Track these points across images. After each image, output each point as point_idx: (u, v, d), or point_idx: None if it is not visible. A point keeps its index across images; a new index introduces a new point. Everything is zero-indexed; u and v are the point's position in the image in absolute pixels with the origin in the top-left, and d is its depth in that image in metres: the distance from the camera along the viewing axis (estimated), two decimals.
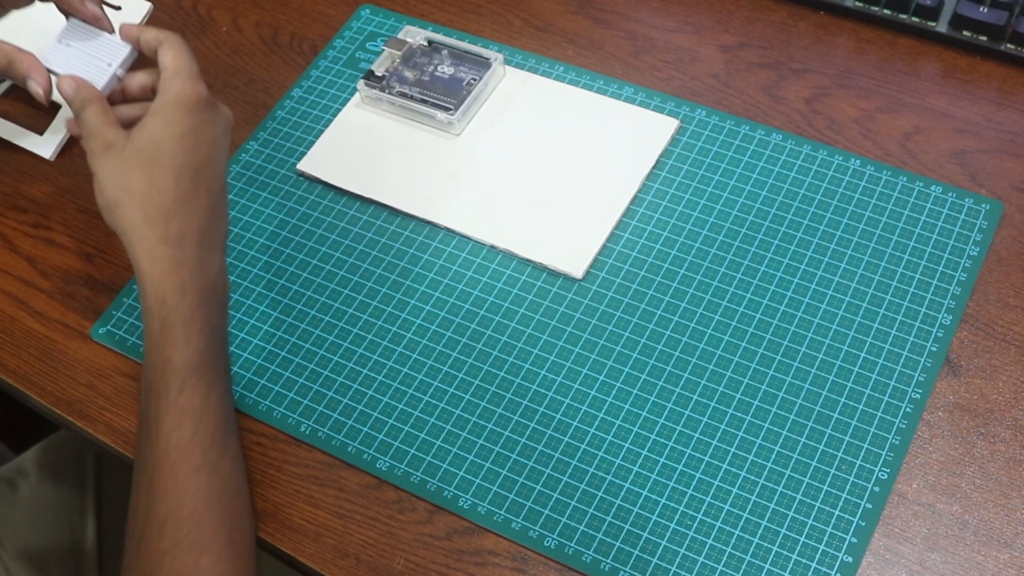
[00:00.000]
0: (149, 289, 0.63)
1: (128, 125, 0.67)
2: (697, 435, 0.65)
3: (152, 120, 0.65)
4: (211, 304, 0.64)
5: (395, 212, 0.76)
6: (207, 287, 0.64)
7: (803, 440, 0.64)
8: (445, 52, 0.81)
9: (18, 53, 0.70)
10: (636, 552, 0.61)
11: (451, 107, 0.78)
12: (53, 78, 0.70)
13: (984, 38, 0.77)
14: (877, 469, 0.62)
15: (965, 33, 0.78)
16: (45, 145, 0.83)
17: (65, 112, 0.84)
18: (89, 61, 0.71)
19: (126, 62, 0.71)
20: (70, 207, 0.80)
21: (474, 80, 0.79)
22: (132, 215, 0.64)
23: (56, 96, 0.70)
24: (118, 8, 0.85)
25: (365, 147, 0.79)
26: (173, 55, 0.67)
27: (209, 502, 0.60)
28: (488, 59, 0.80)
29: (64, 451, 0.97)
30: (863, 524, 0.61)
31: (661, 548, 0.61)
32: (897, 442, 0.63)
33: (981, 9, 0.77)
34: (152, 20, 0.86)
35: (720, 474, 0.63)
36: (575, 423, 0.66)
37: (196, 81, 0.66)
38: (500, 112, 0.79)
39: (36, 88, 0.69)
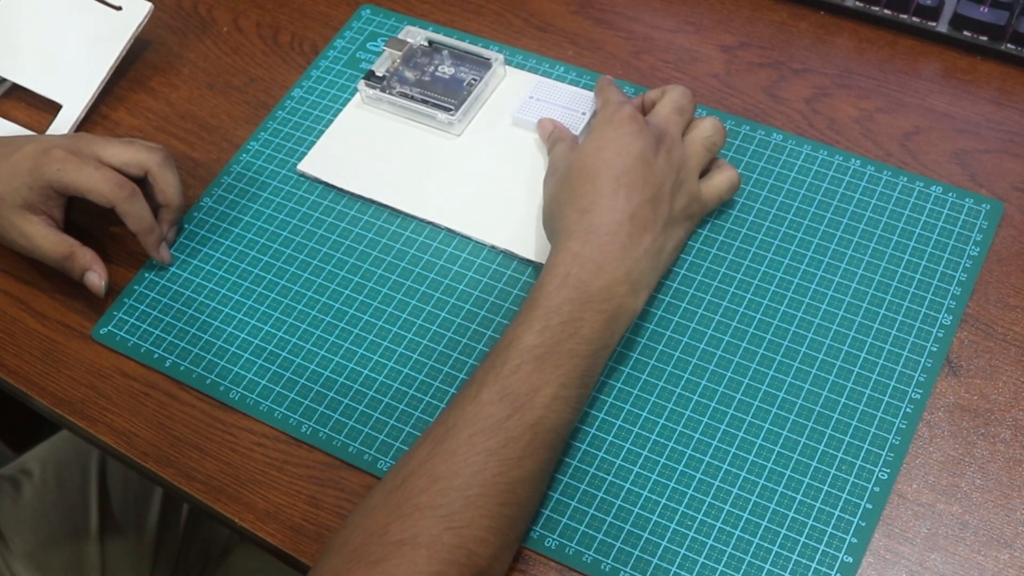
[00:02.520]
0: (544, 271, 0.65)
1: None
2: (697, 436, 0.65)
3: (584, 142, 0.69)
4: (589, 309, 0.62)
5: (395, 212, 0.76)
6: (594, 290, 0.63)
7: (803, 440, 0.64)
8: (445, 52, 0.81)
9: (81, 248, 0.73)
10: (636, 552, 0.61)
11: (451, 107, 0.78)
12: None
13: (984, 38, 0.77)
14: (877, 469, 0.62)
15: (965, 33, 0.78)
16: None
17: (64, 113, 0.84)
18: (563, 112, 0.77)
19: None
20: (70, 207, 0.80)
21: (474, 80, 0.79)
22: (554, 218, 0.68)
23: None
24: (119, 8, 0.85)
25: (365, 147, 0.80)
26: (603, 95, 0.73)
27: (485, 491, 0.57)
28: (488, 59, 0.80)
29: (68, 450, 0.97)
30: (863, 524, 0.61)
31: (661, 548, 0.61)
32: (897, 442, 0.63)
33: (981, 9, 0.77)
34: (152, 20, 0.86)
35: (720, 475, 0.63)
36: (575, 424, 0.66)
37: (624, 104, 0.70)
38: (500, 112, 0.79)
39: (97, 281, 0.73)
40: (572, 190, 0.67)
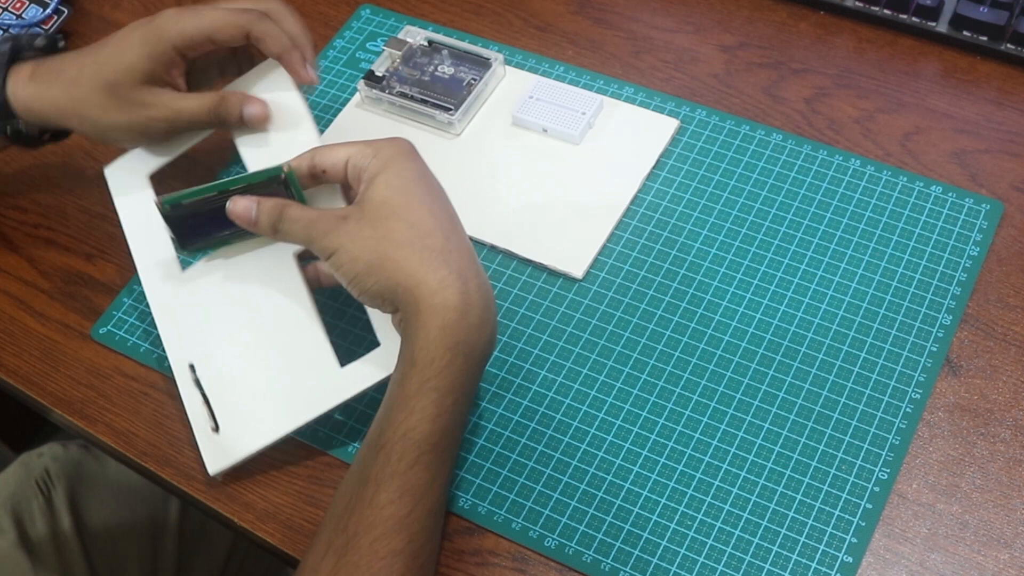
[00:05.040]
0: (420, 343, 0.57)
1: None
2: (697, 435, 0.65)
3: (383, 176, 0.61)
4: (474, 371, 0.59)
5: None
6: (481, 348, 0.59)
7: (803, 440, 0.64)
8: (445, 52, 0.81)
9: (225, 91, 0.69)
10: (636, 552, 0.61)
11: (451, 107, 0.78)
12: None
13: (984, 38, 0.77)
14: (877, 469, 0.62)
15: (965, 33, 0.78)
16: None
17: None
18: (562, 112, 0.76)
19: (598, 111, 0.77)
20: (70, 207, 0.80)
21: (474, 80, 0.79)
22: (404, 264, 0.58)
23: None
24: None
25: None
26: (341, 146, 0.63)
27: None
28: (488, 59, 0.80)
29: None
30: (863, 524, 0.61)
31: (661, 548, 0.61)
32: (897, 442, 0.63)
33: (981, 9, 0.77)
34: None
35: (720, 474, 0.63)
36: (575, 423, 0.66)
37: (395, 138, 0.63)
38: (500, 112, 0.79)
39: (260, 110, 0.68)
40: (413, 226, 0.59)
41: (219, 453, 0.65)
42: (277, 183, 0.64)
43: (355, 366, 0.64)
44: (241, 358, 0.67)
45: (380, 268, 0.59)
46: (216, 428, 0.66)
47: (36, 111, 0.69)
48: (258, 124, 0.69)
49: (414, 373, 0.57)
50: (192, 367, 0.67)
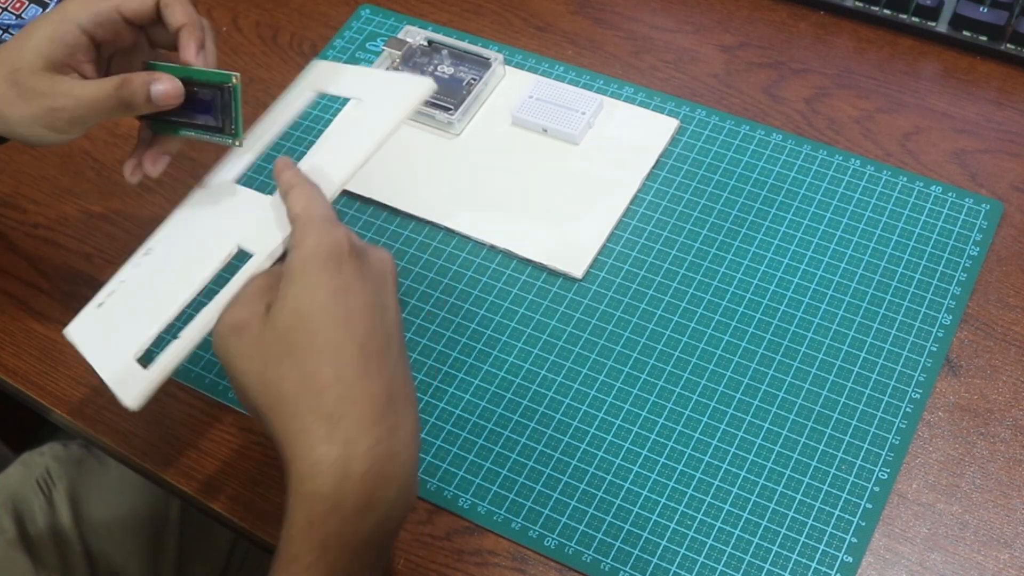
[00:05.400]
0: (284, 533, 0.50)
1: None
2: (697, 435, 0.65)
3: (292, 288, 0.51)
4: (355, 562, 0.49)
5: (395, 212, 0.76)
6: (356, 539, 0.49)
7: (803, 440, 0.64)
8: (445, 52, 0.81)
9: (130, 73, 0.62)
10: (636, 552, 0.61)
11: (451, 107, 0.78)
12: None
13: (984, 38, 0.77)
14: (877, 469, 0.62)
15: (965, 33, 0.78)
16: None
17: None
18: (562, 111, 0.76)
19: (598, 111, 0.77)
20: (70, 207, 0.80)
21: (474, 80, 0.79)
22: (288, 424, 0.50)
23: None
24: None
25: None
26: (305, 200, 0.55)
27: None
28: (488, 59, 0.80)
29: None
30: (863, 524, 0.61)
31: (661, 548, 0.61)
32: (897, 442, 0.63)
33: (981, 9, 0.77)
34: None
35: (720, 474, 0.63)
36: (575, 423, 0.66)
37: (334, 226, 0.52)
38: (500, 112, 0.79)
39: (169, 86, 0.61)
40: (305, 380, 0.50)
41: (86, 339, 0.64)
42: (219, 90, 0.62)
43: (135, 374, 0.59)
44: (144, 288, 0.65)
45: (261, 414, 0.52)
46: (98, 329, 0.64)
47: None
48: (167, 101, 0.61)
49: (277, 568, 0.50)
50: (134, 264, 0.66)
